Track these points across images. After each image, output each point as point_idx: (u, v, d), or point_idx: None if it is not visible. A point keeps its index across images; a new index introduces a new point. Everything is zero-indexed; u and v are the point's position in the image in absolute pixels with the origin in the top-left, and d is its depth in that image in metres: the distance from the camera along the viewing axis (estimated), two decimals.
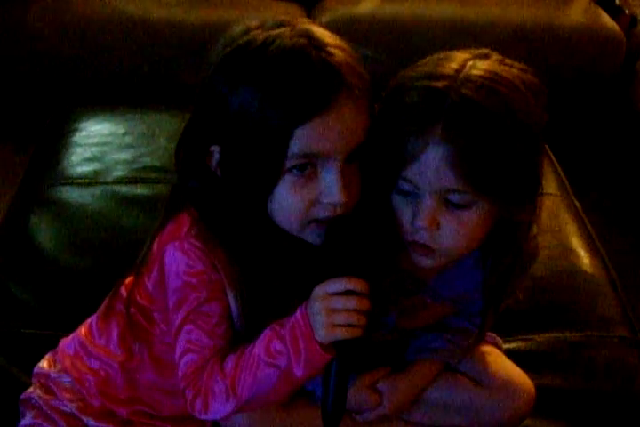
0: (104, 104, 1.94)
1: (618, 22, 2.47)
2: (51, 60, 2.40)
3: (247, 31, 0.91)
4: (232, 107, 0.88)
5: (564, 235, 1.54)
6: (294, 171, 0.89)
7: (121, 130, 1.76)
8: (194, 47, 2.37)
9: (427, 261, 0.97)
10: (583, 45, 2.42)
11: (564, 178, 1.73)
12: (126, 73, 2.42)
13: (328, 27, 0.95)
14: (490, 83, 0.89)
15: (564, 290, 1.42)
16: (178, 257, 0.94)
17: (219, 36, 2.56)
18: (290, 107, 0.86)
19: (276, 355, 0.90)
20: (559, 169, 1.77)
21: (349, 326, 0.88)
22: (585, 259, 1.50)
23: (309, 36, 0.88)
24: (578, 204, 1.66)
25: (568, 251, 1.50)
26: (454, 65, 0.91)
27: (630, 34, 2.48)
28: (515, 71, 0.92)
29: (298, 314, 0.90)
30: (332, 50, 0.88)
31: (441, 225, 0.92)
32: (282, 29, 0.89)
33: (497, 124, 0.88)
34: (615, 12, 2.51)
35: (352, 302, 0.88)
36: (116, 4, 2.44)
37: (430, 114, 0.89)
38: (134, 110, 1.87)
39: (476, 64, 0.91)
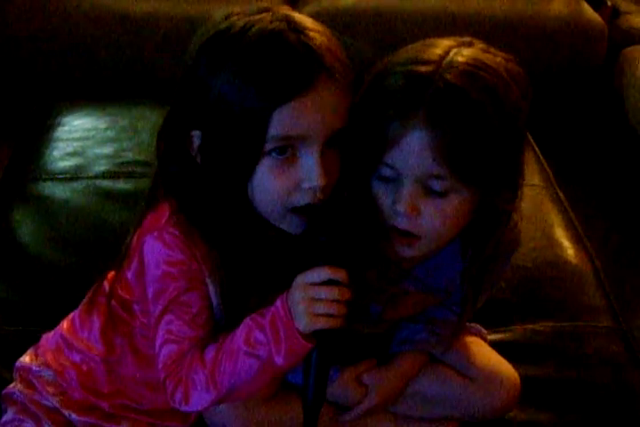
0: (86, 99, 1.93)
1: (600, 14, 2.47)
2: (32, 54, 2.39)
3: (228, 17, 0.91)
4: (212, 91, 0.88)
5: (548, 225, 1.54)
6: (273, 154, 0.89)
7: (103, 124, 1.76)
8: (176, 41, 2.37)
9: (408, 251, 0.96)
10: (566, 37, 2.43)
11: (547, 169, 1.74)
12: (108, 67, 2.40)
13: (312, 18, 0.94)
14: (474, 69, 0.89)
15: (548, 281, 1.43)
16: (157, 247, 0.93)
17: None
18: (268, 88, 0.86)
19: (256, 345, 0.90)
20: (542, 160, 1.77)
21: (330, 315, 0.87)
22: (569, 249, 1.50)
23: (289, 20, 0.89)
24: (562, 194, 1.66)
25: (552, 241, 1.51)
26: (438, 51, 0.91)
27: (612, 25, 2.48)
28: (498, 59, 0.92)
29: (278, 304, 0.90)
30: (312, 33, 0.88)
31: (421, 211, 0.92)
32: (262, 15, 0.90)
33: (480, 110, 0.88)
34: (597, 4, 2.52)
35: (333, 292, 0.87)
36: None
37: (413, 98, 0.88)
38: (116, 105, 1.86)
39: (460, 51, 0.91)
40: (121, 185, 1.57)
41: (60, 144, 1.68)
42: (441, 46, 0.92)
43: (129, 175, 1.59)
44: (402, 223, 0.93)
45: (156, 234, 0.94)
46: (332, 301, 0.87)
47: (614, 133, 2.43)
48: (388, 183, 0.93)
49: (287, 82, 0.86)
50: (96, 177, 1.58)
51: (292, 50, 0.87)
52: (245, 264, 0.94)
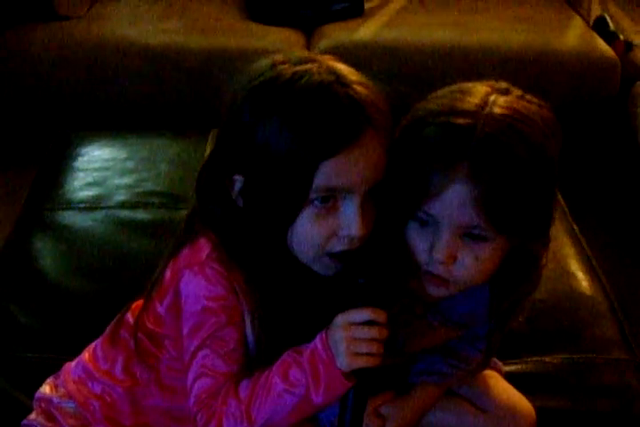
0: (105, 129, 1.96)
1: (613, 47, 2.49)
2: (53, 85, 2.43)
3: (274, 65, 0.92)
4: (258, 138, 0.89)
5: (562, 257, 1.54)
6: (316, 203, 0.90)
7: (122, 155, 1.78)
8: (194, 73, 2.41)
9: (440, 292, 0.97)
10: (579, 70, 2.45)
11: (562, 201, 1.74)
12: (127, 98, 2.44)
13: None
14: (512, 121, 0.89)
15: (562, 312, 1.42)
16: (198, 281, 0.94)
17: (219, 61, 2.60)
18: (316, 142, 0.87)
19: (294, 382, 0.90)
20: (557, 192, 1.77)
21: (370, 354, 0.89)
22: (583, 281, 1.50)
23: (336, 73, 0.90)
24: (576, 226, 1.67)
25: (567, 273, 1.51)
26: (475, 100, 0.91)
27: (625, 58, 2.50)
28: (534, 108, 0.92)
29: (317, 342, 0.91)
30: (358, 87, 0.90)
31: (457, 258, 0.93)
32: (309, 65, 0.91)
33: (521, 163, 0.88)
34: (610, 38, 2.54)
35: (374, 332, 0.89)
36: (117, 31, 2.48)
37: (455, 152, 0.88)
38: (135, 136, 1.89)
39: (497, 100, 0.91)
40: (140, 215, 1.59)
41: (81, 174, 1.71)
42: (477, 95, 0.92)
43: (148, 205, 1.61)
44: (437, 269, 0.94)
45: (196, 268, 0.94)
46: (372, 340, 0.89)
47: (627, 165, 2.43)
48: (424, 229, 0.93)
49: (335, 136, 0.87)
50: (115, 207, 1.61)
51: (340, 104, 0.88)
52: (283, 300, 0.95)
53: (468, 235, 0.92)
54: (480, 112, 0.89)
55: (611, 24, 2.59)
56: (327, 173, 0.88)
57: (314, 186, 0.88)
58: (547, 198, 0.94)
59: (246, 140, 0.91)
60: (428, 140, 0.91)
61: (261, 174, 0.91)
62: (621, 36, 2.54)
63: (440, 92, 0.96)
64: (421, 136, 0.92)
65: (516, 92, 0.94)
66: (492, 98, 0.91)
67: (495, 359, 1.21)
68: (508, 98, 0.92)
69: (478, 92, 0.92)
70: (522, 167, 0.89)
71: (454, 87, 0.95)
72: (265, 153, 0.89)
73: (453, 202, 0.89)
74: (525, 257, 0.99)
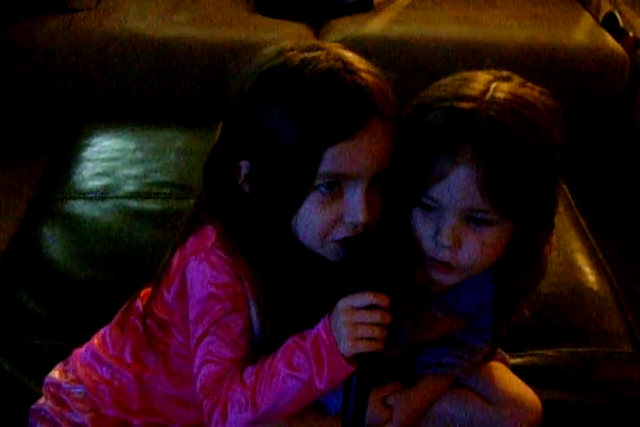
0: (115, 120, 1.97)
1: (622, 44, 2.49)
2: (63, 76, 2.43)
3: (281, 52, 0.92)
4: (265, 125, 0.90)
5: (569, 251, 1.55)
6: (321, 189, 0.90)
7: (131, 146, 1.79)
8: (203, 66, 2.41)
9: (446, 279, 0.98)
10: (588, 67, 2.44)
11: (569, 195, 1.75)
12: (136, 90, 2.44)
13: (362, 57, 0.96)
14: (515, 106, 0.90)
15: (569, 306, 1.43)
16: (203, 268, 0.94)
17: (227, 54, 2.60)
18: (323, 128, 0.87)
19: (297, 367, 0.91)
20: (564, 187, 1.78)
21: (372, 339, 0.89)
22: (590, 275, 1.51)
23: (343, 61, 0.90)
24: (582, 220, 1.67)
25: (573, 267, 1.51)
26: (479, 86, 0.92)
27: (634, 55, 2.50)
28: (536, 94, 0.93)
29: (320, 327, 0.91)
30: (365, 75, 0.90)
31: (462, 243, 0.93)
32: (317, 53, 0.91)
33: (523, 146, 0.89)
34: (619, 34, 2.53)
35: (376, 316, 0.89)
36: (126, 23, 2.48)
37: (459, 135, 0.89)
38: (145, 126, 1.90)
39: (499, 86, 0.92)
40: (149, 205, 1.60)
41: (90, 164, 1.72)
42: (480, 81, 0.93)
43: (156, 195, 1.62)
44: (442, 255, 0.94)
45: (202, 255, 0.95)
46: (375, 325, 0.89)
47: (633, 163, 2.44)
48: (428, 214, 0.94)
49: (341, 122, 0.87)
50: (124, 197, 1.61)
51: (346, 90, 0.88)
52: (287, 287, 0.95)
53: (473, 219, 0.93)
54: (483, 97, 0.91)
55: (620, 21, 2.59)
56: (333, 160, 0.88)
57: (319, 172, 0.89)
58: (550, 183, 0.95)
59: (253, 126, 0.91)
60: (431, 124, 0.92)
61: (267, 160, 0.91)
62: (631, 33, 2.54)
63: (443, 81, 0.97)
64: (425, 121, 0.93)
65: (518, 79, 0.95)
66: (495, 84, 0.93)
67: (502, 351, 1.22)
68: (511, 84, 0.93)
69: (481, 79, 0.94)
70: (525, 150, 0.89)
71: (457, 76, 0.96)
72: (271, 139, 0.90)
73: (457, 185, 0.90)
74: (529, 245, 0.99)
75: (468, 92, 0.92)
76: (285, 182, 0.91)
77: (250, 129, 0.92)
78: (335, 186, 0.91)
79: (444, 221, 0.93)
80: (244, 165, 0.94)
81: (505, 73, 0.96)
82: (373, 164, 0.90)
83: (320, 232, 0.92)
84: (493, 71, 0.96)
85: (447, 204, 0.92)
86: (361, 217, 0.91)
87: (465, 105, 0.90)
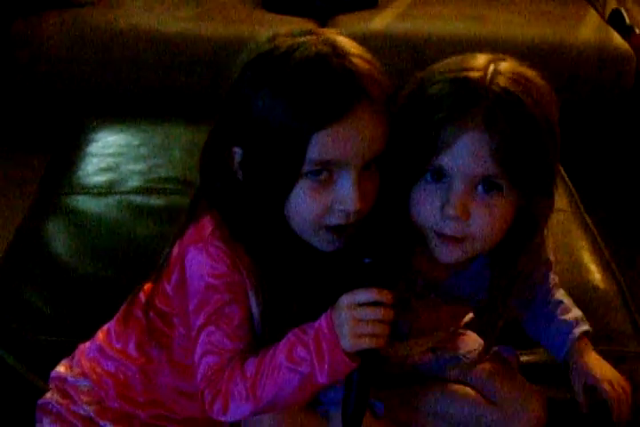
0: (119, 115, 1.96)
1: (628, 41, 2.49)
2: (67, 71, 2.44)
3: (274, 38, 0.93)
4: (255, 109, 0.90)
5: (575, 250, 1.54)
6: (310, 175, 0.90)
7: (136, 141, 1.79)
8: (207, 61, 2.41)
9: (453, 254, 0.97)
10: (594, 64, 2.45)
11: (575, 194, 1.74)
12: (141, 85, 2.45)
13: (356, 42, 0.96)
14: (518, 78, 0.92)
15: (576, 305, 1.42)
16: (201, 259, 0.95)
17: (232, 50, 2.59)
18: (309, 112, 0.87)
19: (298, 361, 0.90)
20: (570, 185, 1.78)
21: (374, 336, 0.89)
22: (596, 274, 1.50)
23: (333, 45, 0.90)
24: (589, 219, 1.67)
25: (580, 266, 1.51)
26: (481, 61, 0.94)
27: None
28: (534, 73, 0.96)
29: (322, 322, 0.91)
30: (355, 59, 0.89)
31: (471, 214, 0.93)
32: (307, 37, 0.91)
33: (531, 113, 0.91)
34: (626, 32, 2.53)
35: (379, 313, 0.89)
36: (131, 18, 2.48)
37: (468, 101, 0.90)
38: (149, 122, 1.90)
39: (499, 63, 0.94)
40: (153, 201, 1.59)
41: (94, 159, 1.71)
42: (480, 58, 0.95)
43: (161, 191, 1.62)
44: (450, 228, 0.94)
45: (200, 246, 0.95)
46: (377, 321, 0.89)
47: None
48: (435, 186, 0.94)
49: (327, 107, 0.87)
50: (129, 192, 1.61)
51: (334, 75, 0.88)
52: (286, 277, 0.95)
53: (483, 184, 0.93)
54: (487, 69, 0.92)
55: (626, 18, 2.58)
56: (320, 146, 0.88)
57: (307, 159, 0.88)
58: (552, 152, 0.95)
59: (244, 112, 0.91)
60: (437, 94, 0.92)
61: (258, 145, 0.91)
62: (637, 30, 2.54)
63: (443, 61, 0.97)
64: (429, 93, 0.93)
65: (512, 60, 0.97)
66: (495, 62, 0.94)
67: (512, 349, 1.22)
68: (509, 63, 0.95)
69: (480, 57, 0.96)
70: (531, 117, 0.91)
71: (454, 57, 0.97)
72: (261, 124, 0.89)
73: (467, 150, 0.90)
74: (529, 223, 0.99)
75: (471, 65, 0.94)
76: (275, 168, 0.90)
77: (241, 114, 0.92)
78: (323, 172, 0.90)
79: (453, 189, 0.93)
80: (237, 151, 0.94)
81: (501, 55, 0.97)
82: (363, 150, 0.89)
83: (311, 219, 0.92)
84: (489, 54, 0.97)
85: (456, 171, 0.92)
86: (351, 205, 0.90)
87: (472, 74, 0.92)
